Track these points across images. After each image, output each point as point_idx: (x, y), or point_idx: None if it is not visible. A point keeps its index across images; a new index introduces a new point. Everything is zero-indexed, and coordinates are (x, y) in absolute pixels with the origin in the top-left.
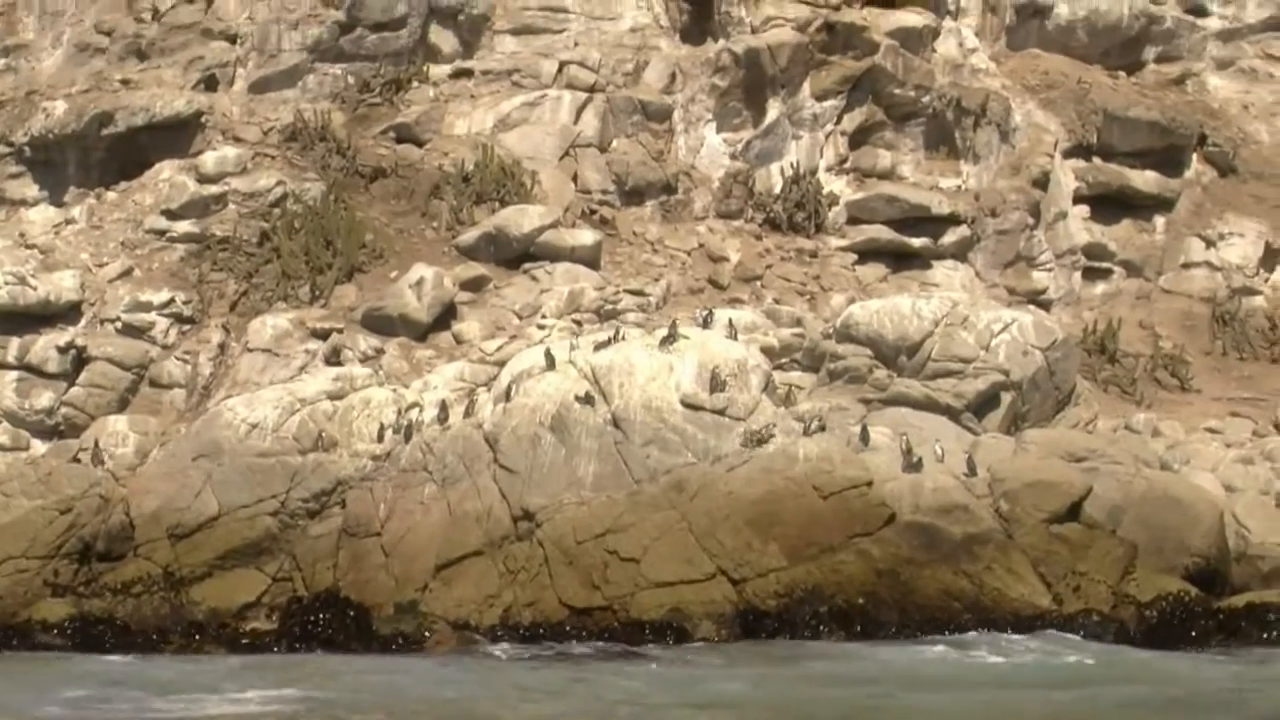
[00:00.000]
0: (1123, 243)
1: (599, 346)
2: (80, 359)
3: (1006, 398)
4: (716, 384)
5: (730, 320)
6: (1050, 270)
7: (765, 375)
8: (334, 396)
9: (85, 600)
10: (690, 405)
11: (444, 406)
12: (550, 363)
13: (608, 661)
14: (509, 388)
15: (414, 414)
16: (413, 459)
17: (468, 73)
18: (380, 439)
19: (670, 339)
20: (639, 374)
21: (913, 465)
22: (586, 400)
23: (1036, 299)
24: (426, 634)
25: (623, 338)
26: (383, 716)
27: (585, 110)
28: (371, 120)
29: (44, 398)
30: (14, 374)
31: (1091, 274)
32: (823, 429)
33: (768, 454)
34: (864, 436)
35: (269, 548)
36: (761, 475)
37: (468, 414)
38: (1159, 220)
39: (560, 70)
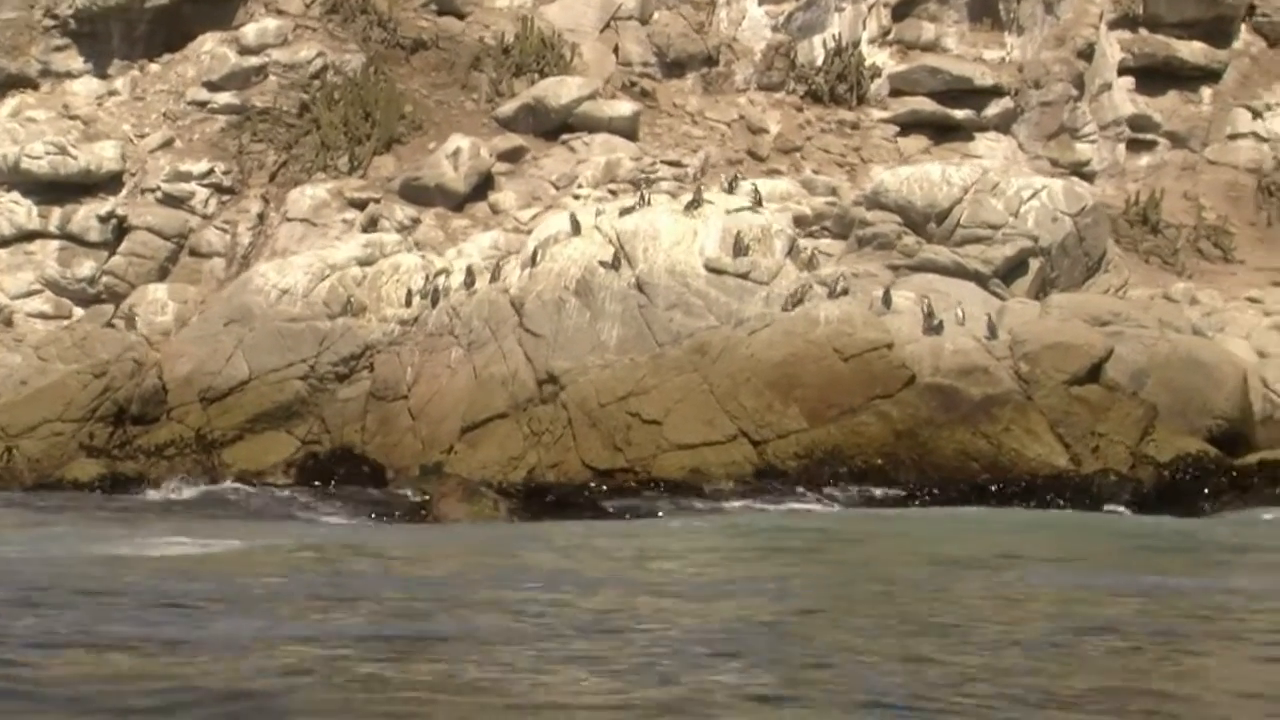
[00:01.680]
0: (1168, 114)
1: (624, 212)
2: (121, 228)
3: (1035, 263)
4: (740, 248)
5: (755, 186)
6: (1094, 142)
7: (789, 240)
8: (364, 263)
9: (119, 462)
10: (713, 269)
11: (470, 272)
12: (576, 228)
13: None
14: (535, 253)
15: (442, 280)
16: (439, 323)
17: None
18: (408, 304)
19: (695, 204)
20: (663, 239)
21: (933, 328)
22: (611, 265)
23: (1080, 170)
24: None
25: (649, 203)
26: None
27: None
28: None
29: (85, 266)
30: (56, 243)
31: (1136, 145)
32: (845, 293)
33: (789, 317)
34: (886, 300)
35: (298, 411)
36: (783, 338)
37: (494, 279)
38: (1205, 91)
39: None
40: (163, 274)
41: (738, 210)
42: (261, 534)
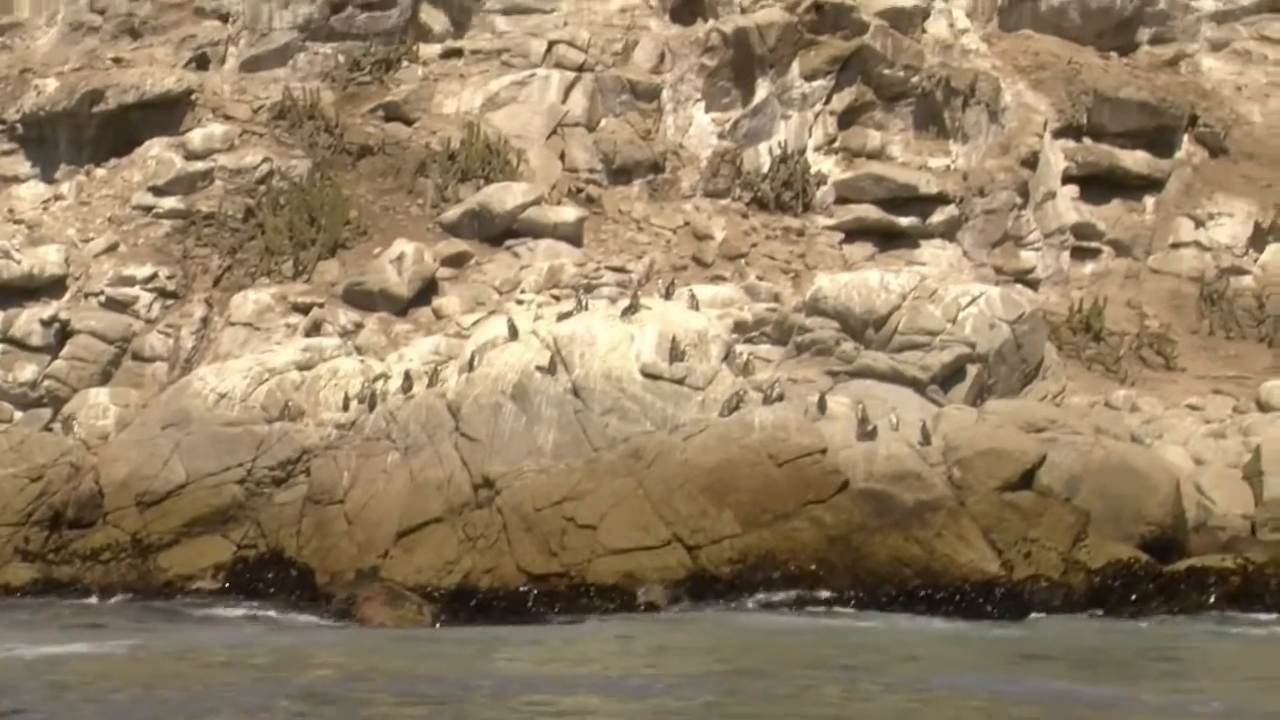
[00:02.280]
0: (1112, 222)
1: (562, 317)
2: (64, 332)
3: (972, 370)
4: (676, 354)
5: (691, 292)
6: (1039, 249)
7: (725, 346)
8: (303, 367)
9: (55, 566)
10: (650, 375)
11: (407, 377)
12: (513, 333)
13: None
14: (472, 358)
15: (380, 384)
16: (376, 428)
17: (458, 52)
18: (345, 409)
19: (632, 309)
20: (600, 344)
21: (867, 434)
22: (548, 369)
23: (1024, 278)
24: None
25: (586, 308)
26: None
27: (574, 89)
28: (361, 99)
29: (27, 370)
30: None
31: (1080, 253)
32: (781, 398)
33: (724, 422)
34: (821, 405)
35: (235, 515)
36: (717, 443)
37: (431, 384)
38: (1149, 200)
39: (549, 50)
40: (105, 378)
41: (676, 314)
42: (166, 636)
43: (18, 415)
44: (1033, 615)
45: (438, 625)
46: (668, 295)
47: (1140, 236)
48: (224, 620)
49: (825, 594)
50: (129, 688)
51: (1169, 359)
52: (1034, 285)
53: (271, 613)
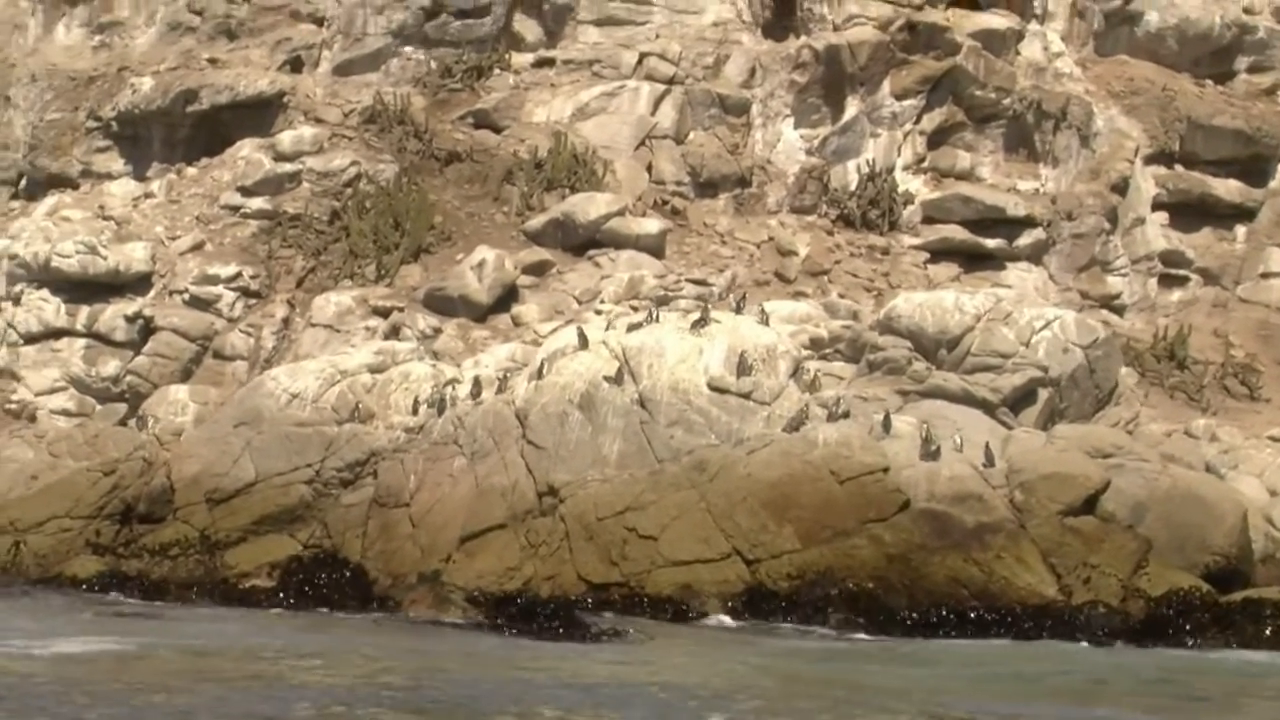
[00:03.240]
0: (1201, 250)
1: (632, 328)
2: (147, 329)
3: (1044, 394)
4: (744, 368)
5: (762, 307)
6: (1125, 275)
7: (794, 361)
8: (375, 370)
9: (123, 560)
10: (716, 388)
11: (477, 382)
12: (583, 342)
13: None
14: (542, 365)
15: (450, 390)
16: (445, 432)
17: (549, 62)
18: (415, 412)
19: (702, 322)
20: (669, 356)
21: (930, 454)
22: (616, 380)
23: (1110, 304)
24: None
25: (657, 320)
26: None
27: (663, 102)
28: (451, 105)
29: (110, 365)
30: (82, 341)
31: (1168, 281)
32: (846, 416)
33: (788, 438)
34: (886, 424)
35: (302, 515)
36: (780, 459)
37: (500, 390)
38: (1240, 229)
39: (640, 62)
40: (186, 375)
41: (746, 328)
42: (196, 636)
43: (99, 410)
44: (1082, 643)
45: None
46: (738, 309)
47: (1230, 265)
48: (258, 619)
49: (882, 615)
50: (123, 687)
51: (1253, 389)
52: (1120, 311)
53: (320, 611)
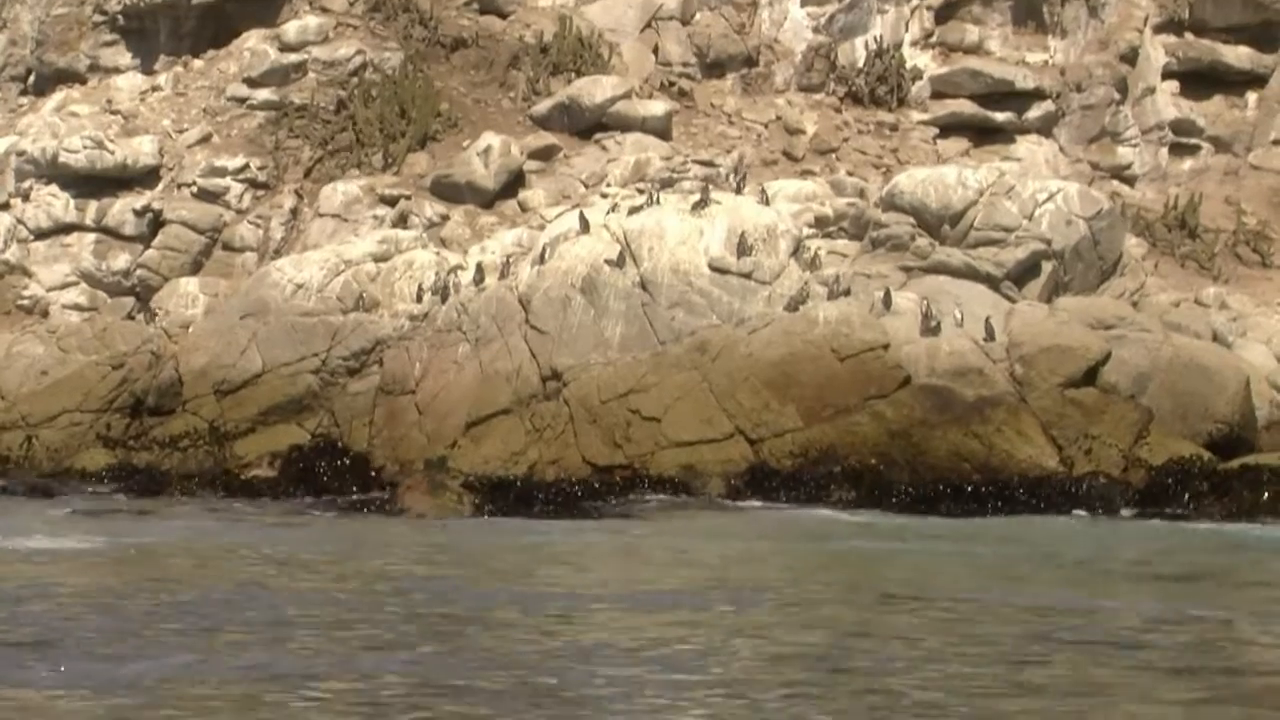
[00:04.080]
0: (1212, 118)
1: (633, 211)
2: (156, 222)
3: (1047, 266)
4: (744, 248)
5: (763, 187)
6: (1136, 146)
7: (795, 240)
8: (379, 259)
9: (134, 453)
10: (717, 269)
11: (480, 269)
12: (584, 226)
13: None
14: (544, 250)
15: (454, 276)
16: (449, 319)
17: None
18: (419, 300)
19: (702, 204)
20: (669, 238)
21: (930, 329)
22: (617, 263)
23: (1121, 174)
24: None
25: (658, 202)
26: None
27: None
28: None
29: (120, 259)
30: (91, 236)
31: (1179, 149)
32: (847, 293)
33: (789, 317)
34: (886, 301)
35: (310, 404)
36: (781, 338)
37: (503, 276)
38: (1251, 96)
39: None
40: (196, 268)
41: (746, 208)
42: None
43: (108, 304)
44: (1076, 512)
45: (485, 515)
46: (739, 190)
47: (1241, 133)
48: (243, 513)
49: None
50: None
51: (1265, 256)
52: (1131, 181)
53: (312, 500)
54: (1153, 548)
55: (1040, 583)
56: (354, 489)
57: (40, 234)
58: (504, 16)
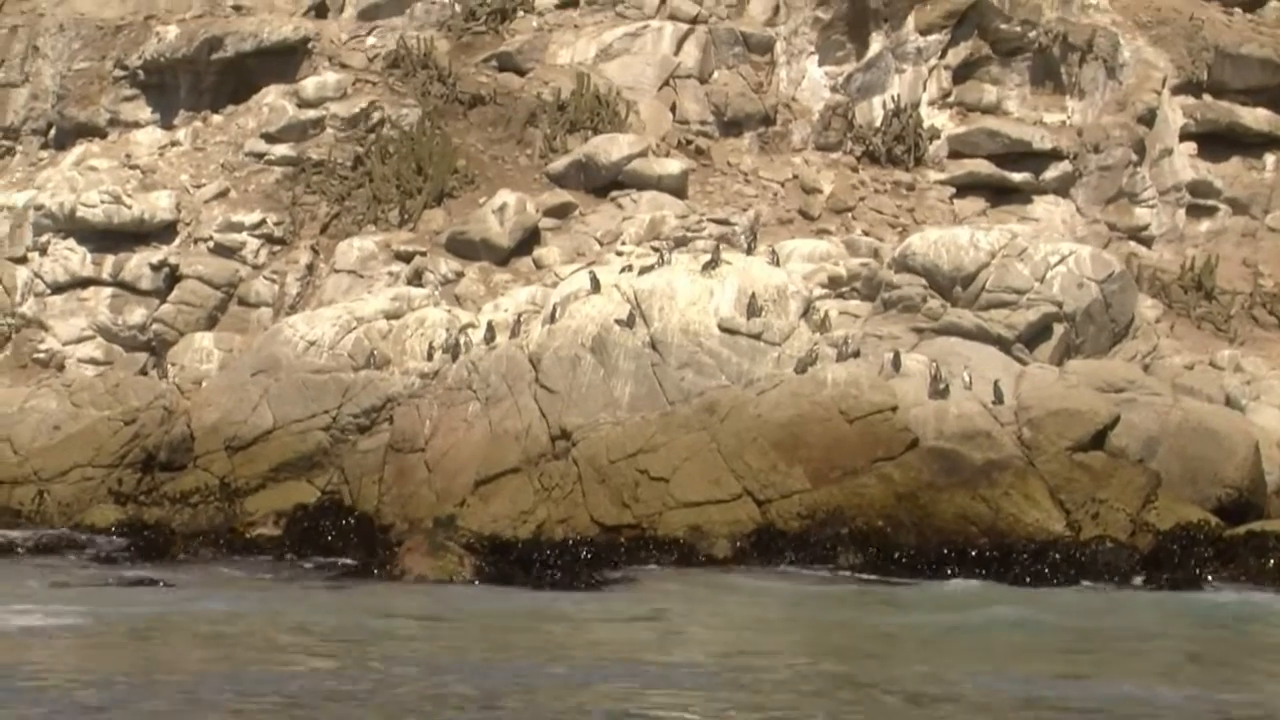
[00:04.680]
0: (1230, 180)
1: (643, 271)
2: (173, 277)
3: (1059, 329)
4: (754, 309)
5: (773, 248)
6: (1153, 207)
7: (805, 301)
8: (391, 316)
9: (145, 509)
10: (727, 329)
11: (491, 327)
12: (595, 285)
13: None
14: (554, 309)
15: (465, 334)
16: (459, 377)
17: (573, 3)
18: (430, 358)
19: (713, 264)
20: (679, 298)
21: (939, 392)
22: (627, 322)
23: (1138, 235)
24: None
25: (669, 262)
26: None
27: (687, 41)
28: (475, 49)
29: (136, 314)
30: (108, 290)
31: (1196, 211)
32: (856, 355)
33: (798, 378)
34: (895, 363)
35: (320, 461)
36: (790, 399)
37: (514, 335)
38: (1269, 158)
39: (664, 1)
40: (211, 322)
41: (757, 269)
42: (170, 604)
43: (123, 358)
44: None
45: (477, 582)
46: (749, 250)
47: (1259, 195)
48: (243, 580)
49: (884, 553)
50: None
51: None
52: (1148, 243)
53: (317, 561)
54: (1170, 622)
55: (1059, 663)
56: (358, 549)
57: (57, 288)
58: (522, 74)
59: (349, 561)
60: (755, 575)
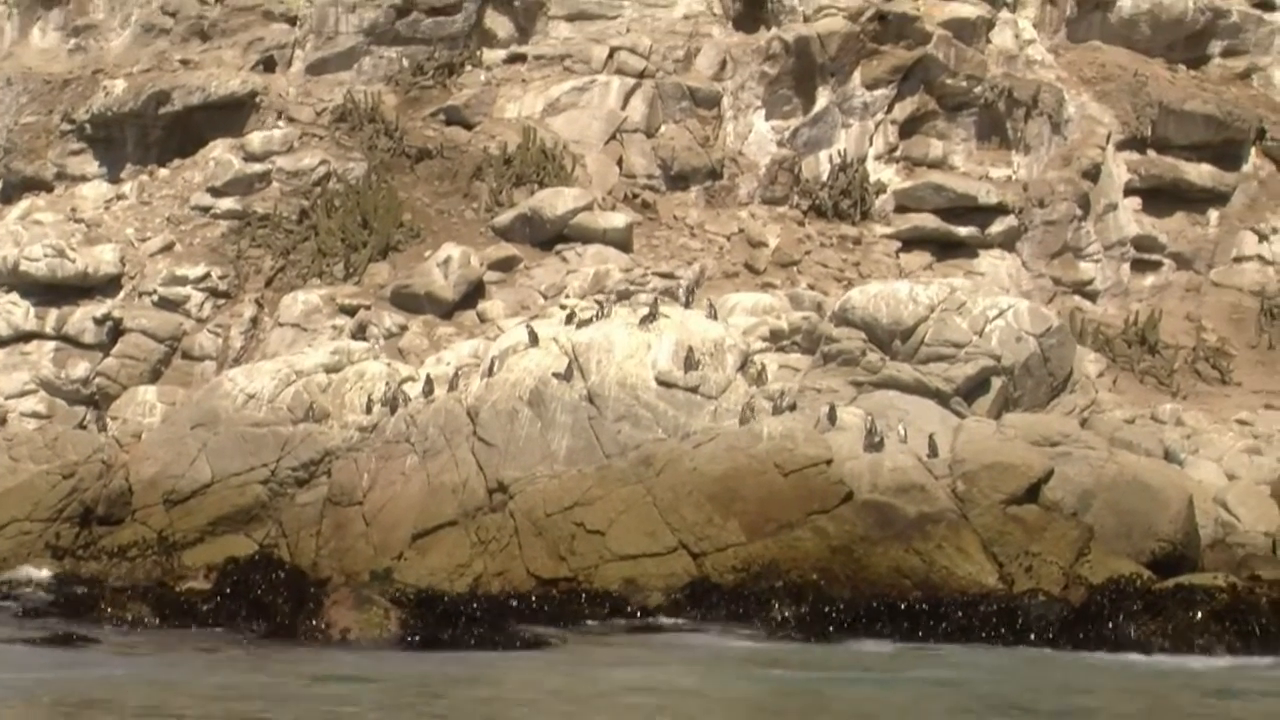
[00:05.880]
0: (1174, 235)
1: (581, 324)
2: (116, 330)
3: (997, 382)
4: (691, 363)
5: (710, 302)
6: (1098, 261)
7: (742, 355)
8: (330, 369)
9: (82, 563)
10: (664, 383)
11: (429, 380)
12: (533, 339)
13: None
14: (493, 363)
15: (404, 388)
16: (397, 431)
17: (521, 57)
18: (369, 411)
19: (651, 317)
20: (617, 351)
21: (874, 445)
22: (565, 376)
23: (1083, 289)
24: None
25: (607, 315)
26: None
27: (634, 96)
28: (423, 103)
29: (80, 368)
30: (51, 344)
31: (1141, 266)
32: (792, 408)
33: (733, 431)
34: (831, 416)
35: (258, 515)
36: (725, 452)
37: (452, 388)
38: (1213, 214)
39: (611, 56)
40: (155, 376)
41: (694, 322)
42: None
43: (74, 411)
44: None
45: (412, 639)
46: (687, 304)
47: (1203, 250)
48: (166, 641)
49: (824, 610)
50: None
51: (1224, 373)
52: (1093, 297)
53: (244, 615)
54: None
55: None
56: (288, 603)
57: (0, 342)
58: (469, 127)
59: (276, 623)
60: (685, 634)
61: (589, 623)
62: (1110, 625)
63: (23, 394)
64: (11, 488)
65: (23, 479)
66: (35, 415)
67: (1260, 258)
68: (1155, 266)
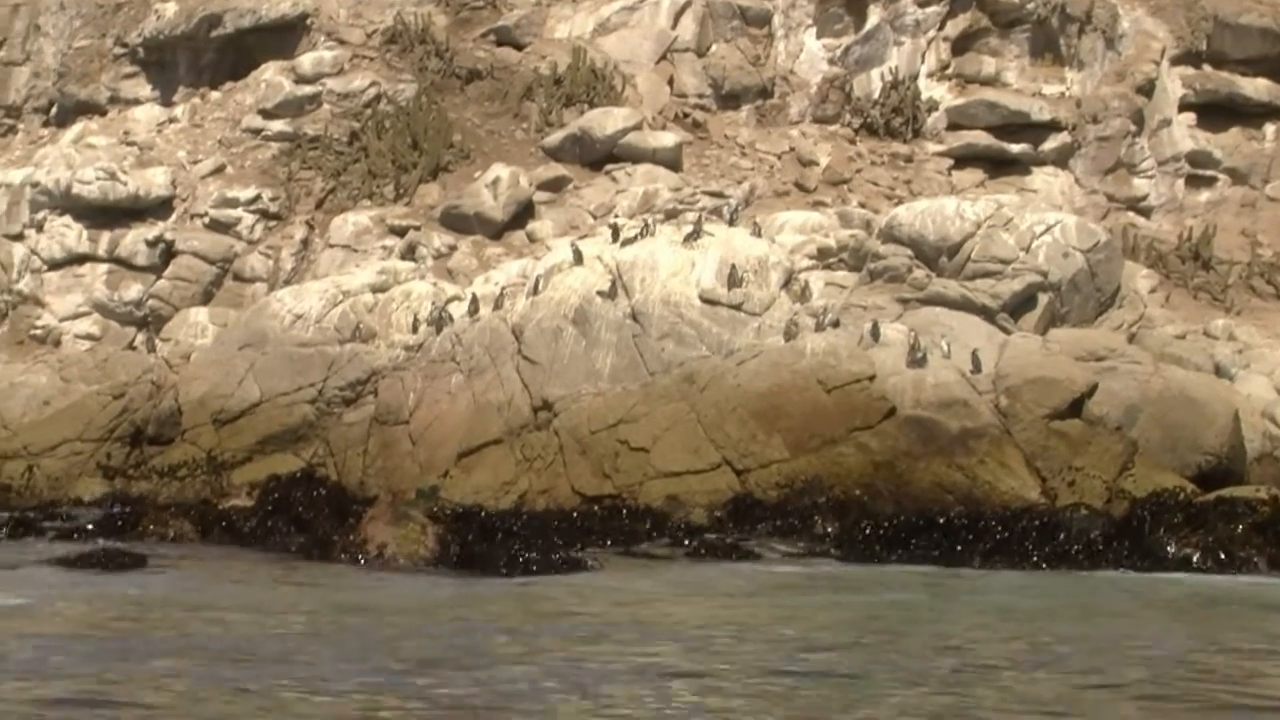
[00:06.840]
0: (1229, 150)
1: (626, 243)
2: (168, 252)
3: (1043, 298)
4: (735, 280)
5: (755, 220)
6: (1152, 177)
7: (786, 272)
8: (377, 289)
9: (134, 482)
10: (708, 300)
11: (475, 300)
12: (578, 258)
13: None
14: (538, 282)
15: (450, 307)
16: (443, 350)
17: None
18: (415, 330)
19: (695, 235)
20: (661, 269)
21: (917, 361)
22: (609, 294)
23: (1137, 206)
24: None
25: (652, 234)
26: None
27: (684, 15)
28: (473, 24)
29: (132, 290)
30: (104, 266)
31: (1196, 181)
32: (835, 324)
33: (777, 348)
34: (874, 332)
35: (306, 434)
36: (769, 369)
37: (497, 307)
38: (1269, 128)
39: None
40: (207, 298)
41: (738, 240)
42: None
43: (126, 333)
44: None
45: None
46: (731, 222)
47: (1258, 165)
48: (204, 557)
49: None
50: None
51: (1279, 288)
52: (1147, 213)
53: (286, 532)
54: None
55: None
56: (328, 520)
57: (53, 265)
58: (520, 48)
59: (317, 536)
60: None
61: (637, 545)
62: (1153, 537)
63: (76, 316)
64: (63, 408)
65: (74, 400)
66: (89, 337)
67: None
68: (1210, 182)
